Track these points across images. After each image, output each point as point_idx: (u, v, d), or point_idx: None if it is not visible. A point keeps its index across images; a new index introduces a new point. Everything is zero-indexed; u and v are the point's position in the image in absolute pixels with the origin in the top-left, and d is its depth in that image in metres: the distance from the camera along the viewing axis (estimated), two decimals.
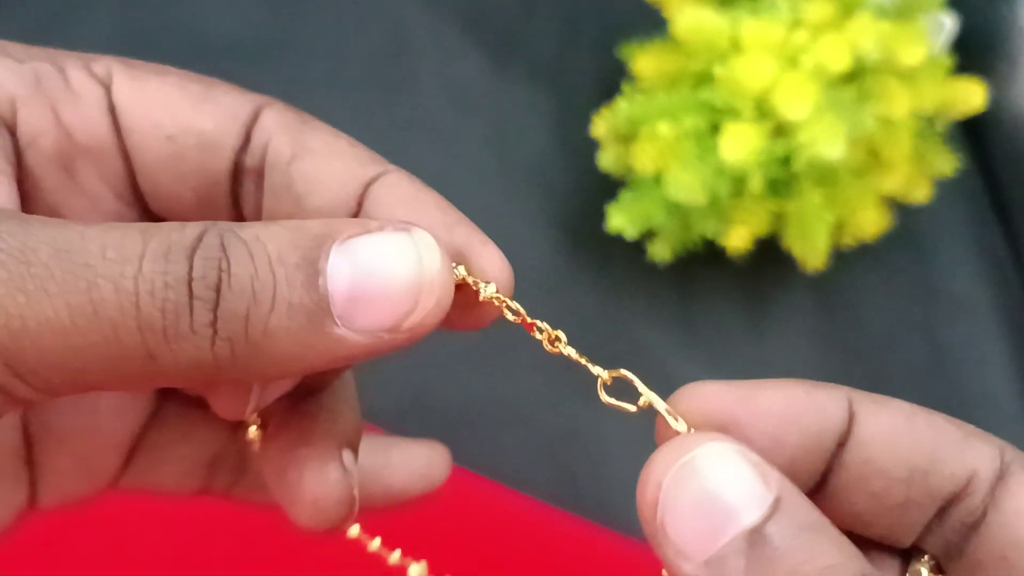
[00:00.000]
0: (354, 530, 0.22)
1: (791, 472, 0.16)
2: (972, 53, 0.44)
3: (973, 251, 0.48)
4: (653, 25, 0.43)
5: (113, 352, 0.15)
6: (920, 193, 0.42)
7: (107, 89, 0.19)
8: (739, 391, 0.17)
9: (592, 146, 0.44)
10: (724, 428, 0.17)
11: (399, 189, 0.19)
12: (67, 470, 0.22)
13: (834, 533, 0.15)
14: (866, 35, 0.38)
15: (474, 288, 0.18)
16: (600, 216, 0.41)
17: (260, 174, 0.19)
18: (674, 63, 0.41)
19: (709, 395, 0.17)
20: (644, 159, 0.39)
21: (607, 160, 0.43)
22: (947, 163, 0.42)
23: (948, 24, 0.44)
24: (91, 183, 0.20)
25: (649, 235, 0.43)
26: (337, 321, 0.16)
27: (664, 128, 0.39)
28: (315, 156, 0.19)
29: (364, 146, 0.19)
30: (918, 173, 0.42)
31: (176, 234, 0.15)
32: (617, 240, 0.42)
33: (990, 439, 0.17)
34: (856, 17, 0.39)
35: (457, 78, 0.50)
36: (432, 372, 0.44)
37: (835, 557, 0.15)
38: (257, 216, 0.20)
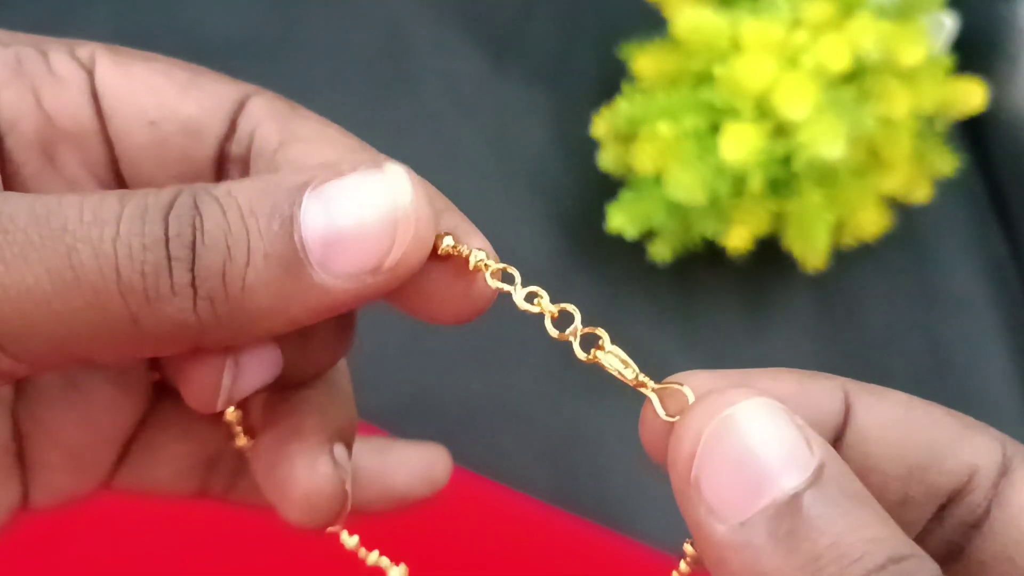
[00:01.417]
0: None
1: None
2: (972, 53, 0.44)
3: (973, 251, 0.48)
4: (653, 25, 0.43)
5: (96, 318, 0.15)
6: (920, 193, 0.42)
7: (90, 74, 0.19)
8: (730, 380, 0.17)
9: (592, 146, 0.44)
10: None
11: None
12: (59, 466, 0.21)
13: (878, 506, 0.14)
14: (866, 35, 0.38)
15: (464, 255, 0.17)
16: (600, 216, 0.41)
17: (246, 163, 0.19)
18: (674, 63, 0.41)
19: (700, 384, 0.17)
20: (644, 159, 0.39)
21: (607, 160, 0.43)
22: (947, 163, 0.42)
23: (948, 24, 0.44)
24: (72, 169, 0.19)
25: (649, 235, 0.43)
26: (316, 268, 0.15)
27: (664, 128, 0.39)
28: (303, 143, 0.18)
29: (354, 136, 0.19)
30: (918, 173, 0.42)
31: (152, 197, 0.15)
32: (617, 240, 0.42)
33: (990, 431, 0.16)
34: (856, 17, 0.39)
35: (457, 78, 0.50)
36: (432, 372, 0.44)
37: (881, 530, 0.14)
38: None
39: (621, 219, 0.40)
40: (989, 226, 0.49)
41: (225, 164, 0.19)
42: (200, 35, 0.49)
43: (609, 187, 0.43)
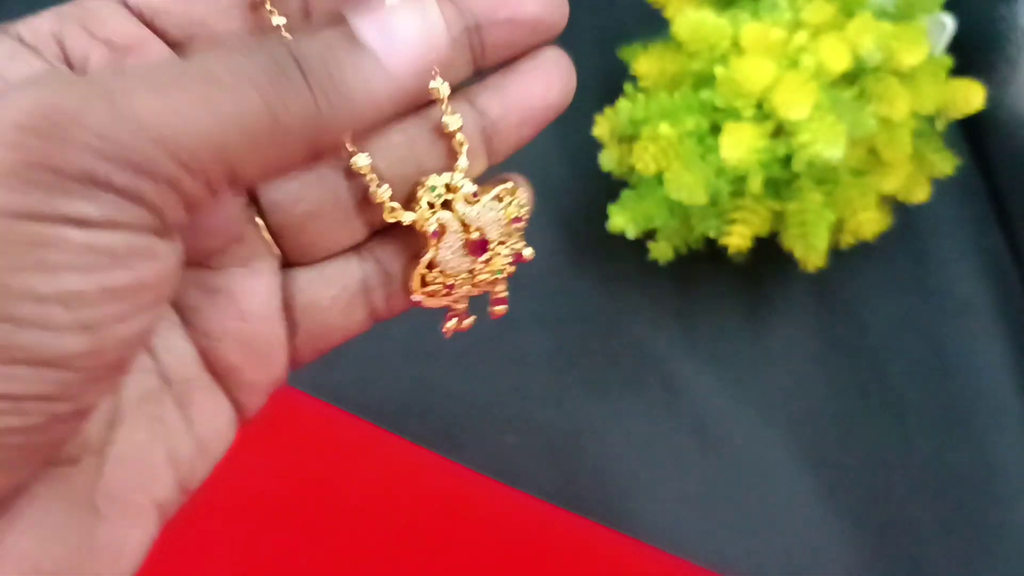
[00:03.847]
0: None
1: None
2: (971, 53, 0.44)
3: (972, 250, 0.48)
4: (654, 26, 0.43)
5: (242, 115, 0.18)
6: (920, 193, 0.43)
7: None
8: None
9: (594, 146, 0.44)
10: None
11: None
12: (246, 364, 0.22)
13: None
14: (866, 36, 0.38)
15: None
16: (601, 216, 0.41)
17: None
18: (675, 64, 0.41)
19: None
20: (645, 159, 0.39)
21: (609, 160, 0.43)
22: (946, 163, 0.42)
23: (949, 24, 0.44)
24: None
25: (650, 234, 0.43)
26: (383, 61, 0.20)
27: (665, 128, 0.39)
28: None
29: None
30: (918, 173, 0.42)
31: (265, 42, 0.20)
32: (618, 239, 0.42)
33: None
34: (856, 18, 0.39)
35: None
36: (433, 371, 0.44)
37: None
38: None
39: (622, 219, 0.41)
40: (988, 225, 0.49)
41: None
42: None
43: (610, 187, 0.43)
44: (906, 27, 0.39)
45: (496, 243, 0.25)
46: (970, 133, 0.49)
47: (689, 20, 0.39)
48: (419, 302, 0.24)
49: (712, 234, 0.42)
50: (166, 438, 0.21)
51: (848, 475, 0.44)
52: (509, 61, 0.25)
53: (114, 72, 0.18)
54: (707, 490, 0.44)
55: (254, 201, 0.23)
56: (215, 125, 0.17)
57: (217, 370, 0.22)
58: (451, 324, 0.25)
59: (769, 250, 0.43)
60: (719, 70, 0.38)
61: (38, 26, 0.20)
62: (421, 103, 0.23)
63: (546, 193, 0.48)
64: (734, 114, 0.39)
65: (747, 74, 0.37)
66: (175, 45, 0.22)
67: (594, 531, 0.40)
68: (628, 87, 0.42)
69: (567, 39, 0.51)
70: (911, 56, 0.38)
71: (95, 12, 0.21)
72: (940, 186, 0.44)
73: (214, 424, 0.22)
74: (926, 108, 0.40)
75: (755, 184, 0.39)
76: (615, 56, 0.44)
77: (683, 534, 0.43)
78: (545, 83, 0.25)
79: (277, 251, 0.23)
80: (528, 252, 0.26)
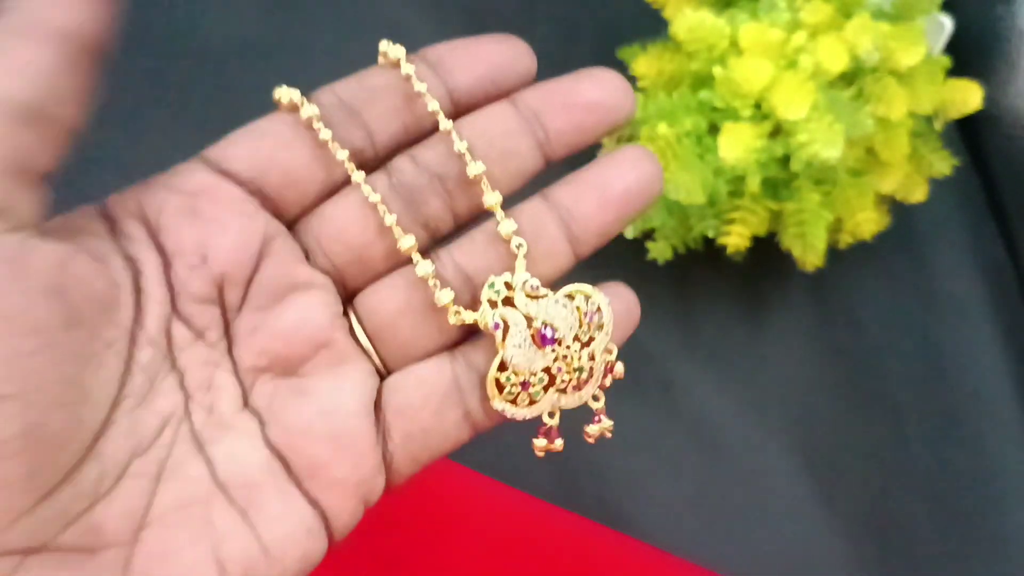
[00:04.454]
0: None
1: None
2: (969, 54, 0.44)
3: (969, 250, 0.48)
4: (653, 26, 0.43)
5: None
6: (918, 193, 0.43)
7: None
8: None
9: (593, 146, 0.44)
10: None
11: None
12: (334, 463, 0.23)
13: None
14: (864, 36, 0.38)
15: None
16: None
17: None
18: (674, 64, 0.41)
19: None
20: None
21: None
22: (944, 163, 0.42)
23: (948, 25, 0.44)
24: None
25: (648, 234, 0.43)
26: None
27: (663, 128, 0.39)
28: None
29: None
30: (916, 173, 0.42)
31: None
32: (616, 239, 0.41)
33: None
34: (855, 18, 0.39)
35: None
36: None
37: None
38: None
39: None
40: (985, 226, 0.49)
41: None
42: (201, 37, 0.49)
43: None
44: (904, 27, 0.39)
45: (571, 340, 0.25)
46: (968, 133, 0.49)
47: (688, 20, 0.39)
48: (502, 412, 0.24)
49: (710, 234, 0.42)
50: (213, 539, 0.21)
51: (845, 476, 0.44)
52: (584, 152, 0.25)
53: None
54: (705, 490, 0.44)
55: (349, 307, 0.24)
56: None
57: (299, 468, 0.22)
58: (541, 442, 0.25)
59: (767, 250, 0.43)
60: (717, 70, 0.39)
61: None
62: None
63: None
64: (732, 114, 0.39)
65: (745, 74, 0.37)
66: (247, 183, 0.23)
67: (593, 531, 0.40)
68: None
69: (567, 38, 0.51)
70: (909, 56, 0.39)
71: (177, 171, 0.23)
72: (938, 186, 0.44)
73: (281, 528, 0.22)
74: (924, 108, 0.40)
75: (753, 184, 0.39)
76: (614, 56, 0.44)
77: (681, 533, 0.43)
78: (620, 168, 0.25)
79: (372, 352, 0.24)
80: (619, 369, 0.26)
